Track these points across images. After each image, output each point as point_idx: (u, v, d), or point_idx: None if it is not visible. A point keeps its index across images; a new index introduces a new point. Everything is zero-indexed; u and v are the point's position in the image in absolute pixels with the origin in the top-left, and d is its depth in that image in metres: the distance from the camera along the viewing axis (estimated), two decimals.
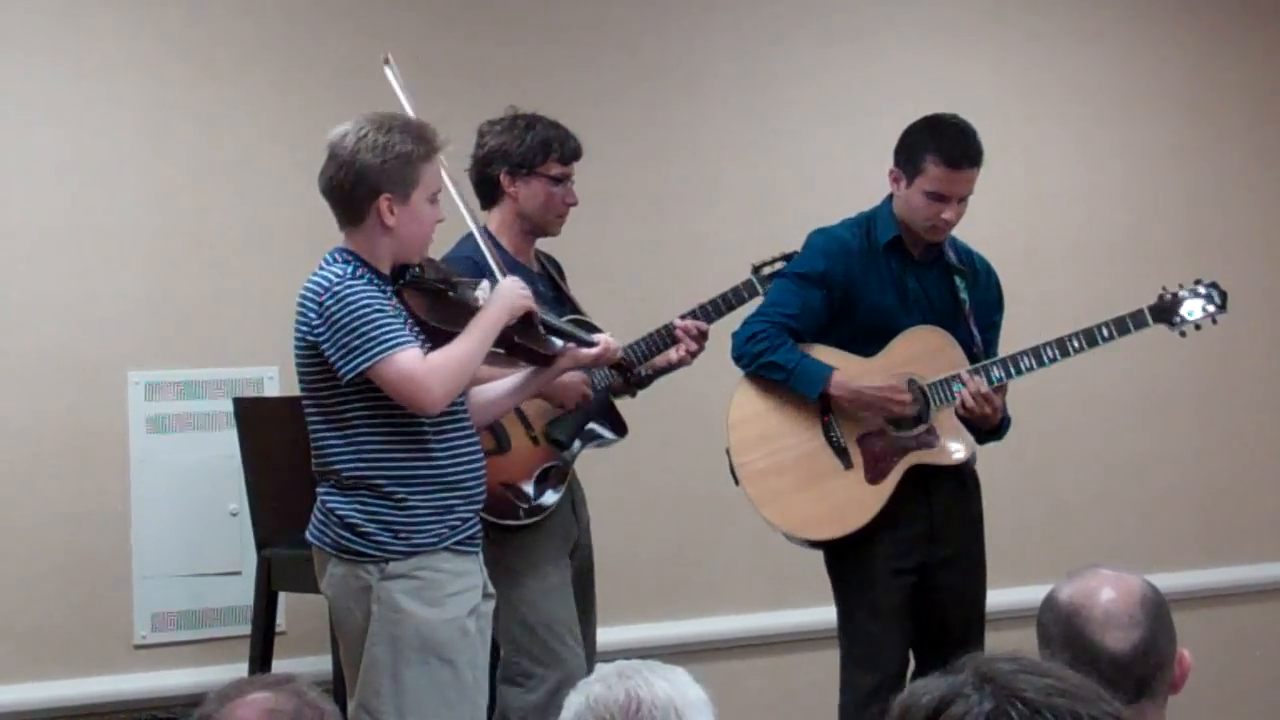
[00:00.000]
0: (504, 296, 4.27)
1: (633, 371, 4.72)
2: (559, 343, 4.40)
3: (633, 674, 2.75)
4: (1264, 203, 7.10)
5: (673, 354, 4.98)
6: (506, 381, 4.48)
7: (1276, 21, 7.14)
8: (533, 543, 4.83)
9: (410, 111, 4.42)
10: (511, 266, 4.72)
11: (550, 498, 4.84)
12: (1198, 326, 5.02)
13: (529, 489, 4.82)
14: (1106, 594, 2.81)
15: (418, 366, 4.06)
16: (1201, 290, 5.01)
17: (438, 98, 5.53)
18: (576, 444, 4.90)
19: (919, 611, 4.95)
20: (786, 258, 5.08)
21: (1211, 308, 5.00)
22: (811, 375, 4.87)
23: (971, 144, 4.92)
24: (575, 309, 5.01)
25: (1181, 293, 5.00)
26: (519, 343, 4.32)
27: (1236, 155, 7.06)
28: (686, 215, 6.09)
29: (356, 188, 4.16)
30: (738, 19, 6.23)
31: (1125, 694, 2.75)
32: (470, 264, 4.64)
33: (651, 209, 6.06)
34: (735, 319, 5.06)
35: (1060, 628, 2.81)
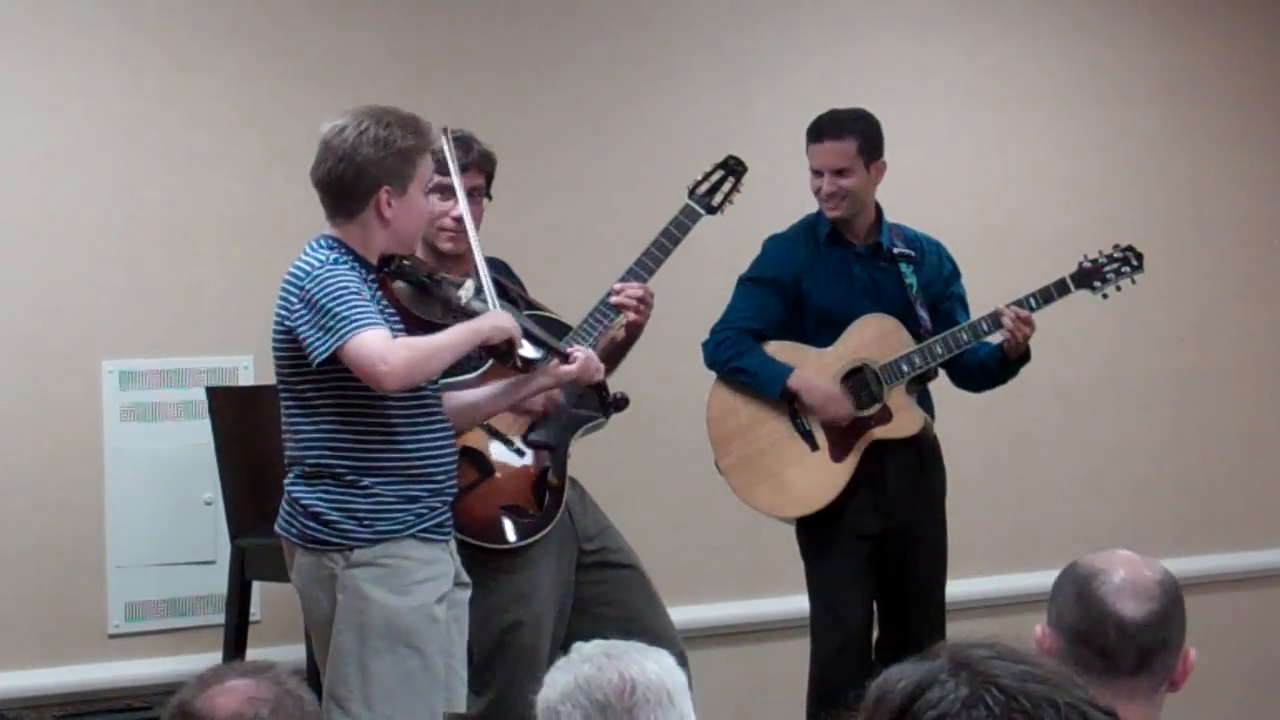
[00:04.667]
0: (490, 318, 4.26)
1: (607, 393, 4.61)
2: (536, 352, 4.39)
3: (621, 654, 2.70)
4: (1239, 191, 7.12)
5: (619, 333, 4.88)
6: (484, 388, 4.49)
7: (1250, 10, 7.16)
8: (528, 564, 4.73)
9: (458, 180, 4.48)
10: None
11: (557, 506, 4.77)
12: (1118, 288, 5.36)
13: (530, 503, 4.74)
14: (1129, 566, 2.87)
15: (379, 344, 4.03)
16: (1118, 254, 5.35)
17: (414, 88, 5.53)
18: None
19: (881, 579, 5.29)
20: (724, 164, 5.12)
21: (1127, 269, 5.34)
22: (770, 377, 5.23)
23: (830, 121, 5.29)
24: (531, 306, 4.96)
25: (1100, 258, 5.34)
26: (494, 346, 4.32)
27: (1212, 144, 7.07)
28: (661, 203, 6.06)
29: (358, 181, 4.17)
30: (711, 8, 6.23)
31: (1124, 662, 2.79)
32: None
33: (625, 197, 6.05)
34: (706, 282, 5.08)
35: (1075, 587, 2.85)
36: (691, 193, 5.09)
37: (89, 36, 5.43)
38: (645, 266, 4.93)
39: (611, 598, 4.87)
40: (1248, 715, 6.90)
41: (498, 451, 4.74)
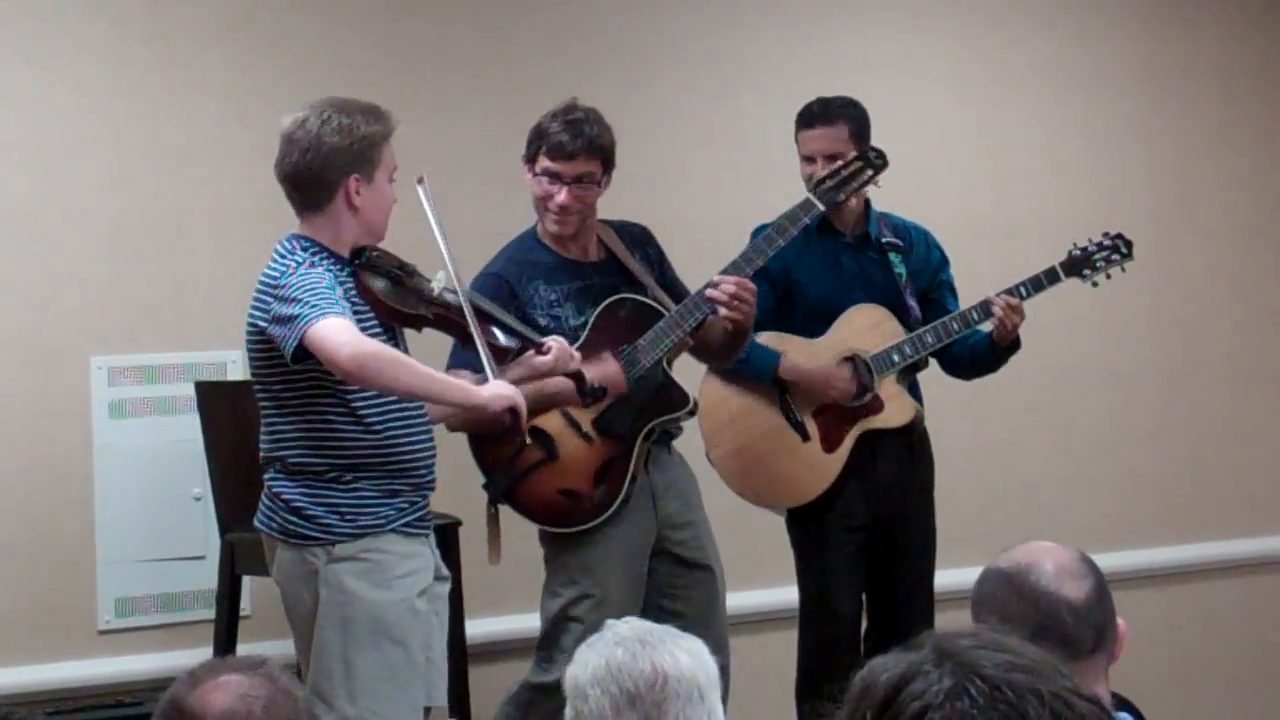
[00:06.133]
0: (492, 387, 4.19)
1: (584, 384, 4.55)
2: (511, 341, 4.37)
3: (656, 643, 2.66)
4: (1226, 179, 7.11)
5: (728, 324, 4.83)
6: (459, 380, 4.43)
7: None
8: (597, 541, 4.76)
9: (440, 234, 4.39)
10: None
11: (614, 496, 4.76)
12: (1108, 276, 5.38)
13: (589, 490, 4.75)
14: (1050, 554, 2.94)
15: (343, 329, 3.99)
16: (1108, 242, 5.36)
17: (400, 82, 5.53)
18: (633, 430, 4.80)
19: (870, 568, 5.29)
20: (863, 155, 5.06)
21: (1117, 257, 5.35)
22: (762, 364, 5.18)
23: (821, 107, 5.26)
24: (665, 275, 4.96)
25: (1090, 246, 5.35)
26: (470, 334, 4.31)
27: (1199, 132, 7.07)
28: (648, 197, 6.06)
29: (325, 170, 4.19)
30: (699, 1, 6.23)
31: (1086, 643, 2.85)
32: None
33: (612, 191, 6.03)
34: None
35: (1014, 589, 2.89)
36: (817, 185, 5.04)
37: (76, 32, 5.42)
38: (749, 259, 4.89)
39: (677, 593, 4.90)
40: (1236, 702, 6.91)
41: (565, 435, 4.75)
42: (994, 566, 2.96)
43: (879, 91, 5.62)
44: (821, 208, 5.01)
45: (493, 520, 4.74)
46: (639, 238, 5.02)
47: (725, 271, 4.84)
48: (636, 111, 6.12)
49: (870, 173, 5.05)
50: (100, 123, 5.46)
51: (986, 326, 5.27)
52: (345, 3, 5.74)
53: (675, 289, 4.97)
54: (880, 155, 5.06)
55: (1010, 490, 6.62)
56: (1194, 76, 7.05)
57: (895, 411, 5.26)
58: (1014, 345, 5.28)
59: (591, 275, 4.85)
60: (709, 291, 4.79)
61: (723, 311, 4.78)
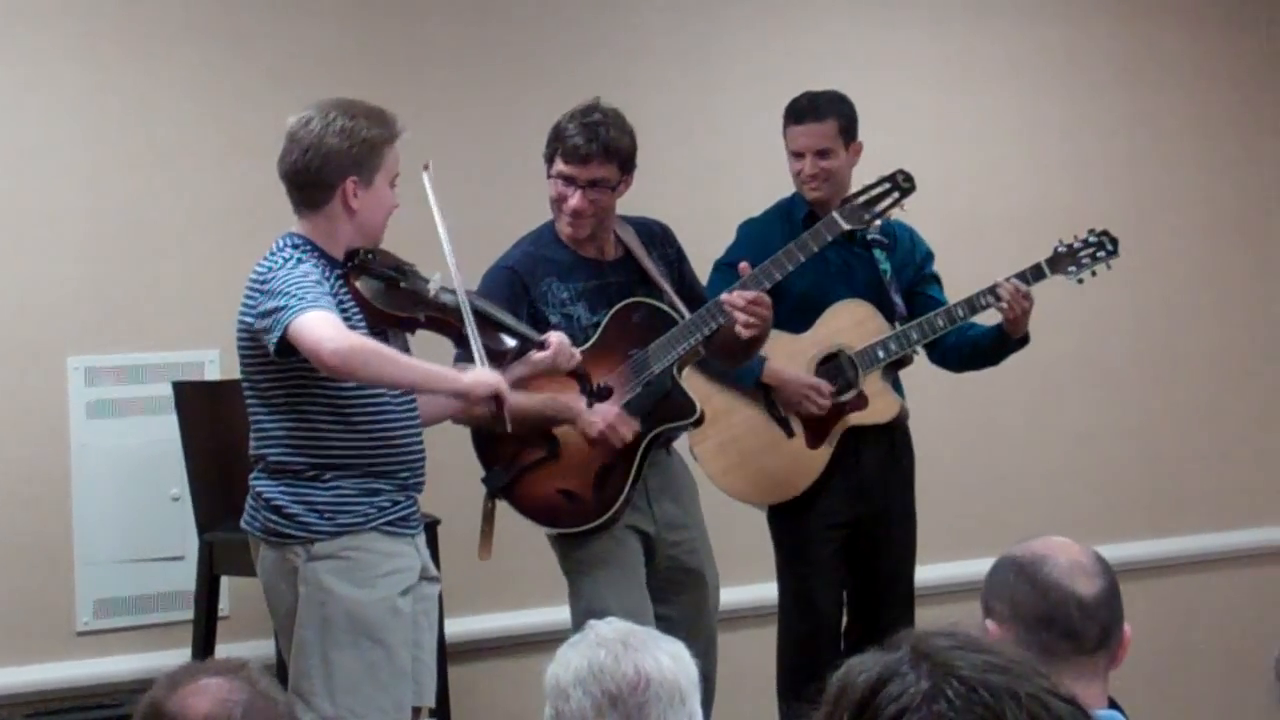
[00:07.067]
0: (476, 373, 4.19)
1: (589, 382, 4.53)
2: (510, 341, 4.37)
3: (639, 646, 2.67)
4: (1206, 174, 7.12)
5: (743, 332, 4.74)
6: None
7: None
8: (596, 540, 4.74)
9: (441, 223, 4.37)
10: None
11: (612, 500, 4.73)
12: (1093, 273, 5.34)
13: (588, 492, 4.73)
14: (1065, 549, 2.98)
15: (327, 324, 3.98)
16: (1093, 239, 5.32)
17: (375, 80, 5.51)
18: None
19: (851, 564, 5.29)
20: (891, 178, 5.05)
21: (1103, 254, 5.32)
22: (744, 368, 5.13)
23: (810, 102, 5.27)
24: (682, 280, 4.94)
25: (1075, 243, 5.32)
26: (464, 335, 4.29)
27: (1178, 126, 7.08)
28: (626, 194, 6.06)
29: (323, 171, 4.19)
30: None
31: (1089, 641, 2.88)
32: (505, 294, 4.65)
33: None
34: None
35: (1023, 577, 2.92)
36: (843, 203, 5.02)
37: (50, 31, 5.40)
38: (767, 273, 4.84)
39: (667, 596, 4.85)
40: (1218, 696, 6.91)
41: (569, 435, 4.72)
42: (1008, 555, 2.99)
43: (855, 86, 5.60)
44: (846, 226, 5.00)
45: (488, 515, 4.72)
46: (658, 236, 4.99)
47: (743, 286, 4.80)
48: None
49: (897, 195, 5.04)
50: (76, 123, 5.44)
51: (979, 321, 5.26)
52: (321, 2, 5.72)
53: (693, 288, 4.95)
54: (908, 179, 5.04)
55: (989, 485, 6.63)
56: (1171, 70, 7.06)
57: (880, 408, 5.26)
58: (1023, 339, 5.27)
59: (607, 274, 4.82)
60: (724, 300, 4.76)
61: (739, 320, 4.74)
